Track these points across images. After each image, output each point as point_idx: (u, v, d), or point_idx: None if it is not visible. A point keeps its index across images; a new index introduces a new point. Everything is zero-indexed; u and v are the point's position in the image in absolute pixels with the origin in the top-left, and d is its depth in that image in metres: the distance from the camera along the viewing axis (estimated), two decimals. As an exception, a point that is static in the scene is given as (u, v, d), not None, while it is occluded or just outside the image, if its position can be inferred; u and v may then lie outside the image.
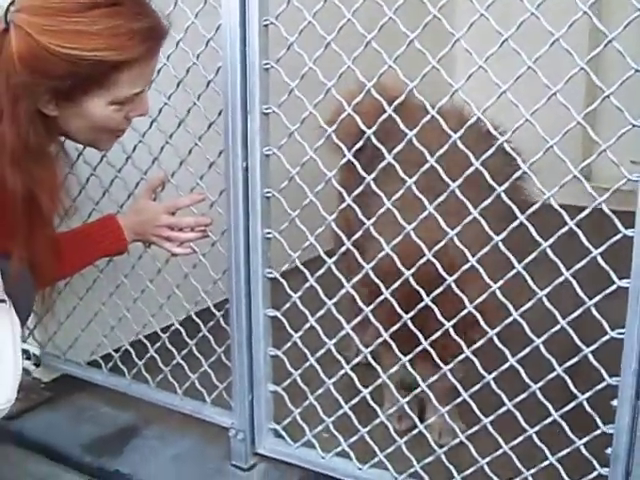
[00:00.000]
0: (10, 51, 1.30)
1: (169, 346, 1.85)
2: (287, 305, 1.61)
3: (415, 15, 1.39)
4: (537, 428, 1.38)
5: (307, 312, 1.58)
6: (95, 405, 2.07)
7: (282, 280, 1.60)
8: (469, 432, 1.46)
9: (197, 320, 1.80)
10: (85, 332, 2.03)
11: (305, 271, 1.57)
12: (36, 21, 1.30)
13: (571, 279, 1.28)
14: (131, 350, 1.93)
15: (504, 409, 1.40)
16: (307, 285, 1.56)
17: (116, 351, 1.98)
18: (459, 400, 1.47)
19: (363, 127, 1.44)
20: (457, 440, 1.49)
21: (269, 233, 1.59)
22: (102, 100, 1.42)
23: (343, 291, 1.53)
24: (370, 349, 1.53)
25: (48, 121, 1.42)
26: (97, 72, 1.36)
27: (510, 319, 1.35)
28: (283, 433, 1.70)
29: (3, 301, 1.47)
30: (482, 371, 1.42)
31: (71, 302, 1.97)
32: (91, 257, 1.79)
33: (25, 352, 1.53)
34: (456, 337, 1.41)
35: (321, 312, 1.56)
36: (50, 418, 2.03)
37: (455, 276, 1.39)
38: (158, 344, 1.88)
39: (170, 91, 1.71)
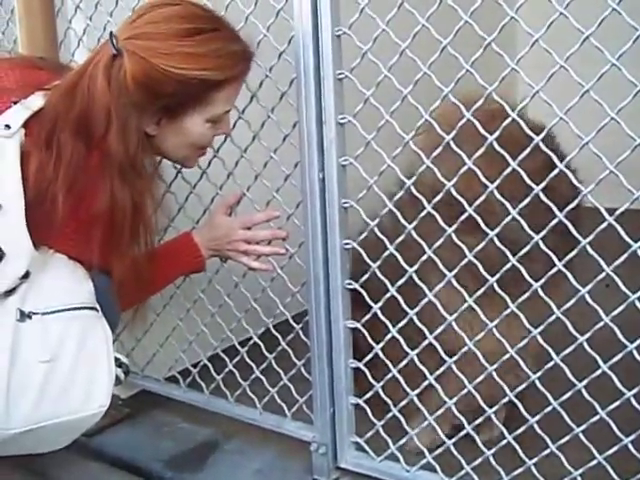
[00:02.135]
0: (122, 74, 1.40)
1: (248, 360, 1.85)
2: (368, 316, 1.59)
3: (489, 18, 1.38)
4: (632, 437, 1.33)
5: (388, 323, 1.56)
6: (174, 421, 2.08)
7: (362, 291, 1.59)
8: (561, 442, 1.41)
9: (275, 333, 1.79)
10: (163, 348, 2.04)
11: (385, 281, 1.55)
12: (150, 45, 1.41)
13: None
14: (209, 365, 1.94)
15: (596, 418, 1.36)
16: (388, 295, 1.54)
17: (194, 366, 1.98)
18: (549, 409, 1.42)
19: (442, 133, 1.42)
20: (547, 451, 1.45)
21: (348, 244, 1.58)
22: (200, 118, 1.52)
23: (424, 301, 1.51)
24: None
25: (149, 140, 1.52)
26: (201, 90, 1.47)
27: (601, 324, 1.31)
28: (366, 446, 1.68)
29: (96, 309, 1.50)
30: (572, 378, 1.38)
31: (148, 318, 1.98)
32: (170, 276, 1.81)
33: (116, 360, 1.54)
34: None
35: (402, 323, 1.54)
36: (129, 434, 2.05)
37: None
38: (237, 358, 1.87)
39: (244, 105, 1.71)
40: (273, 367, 1.80)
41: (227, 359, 1.90)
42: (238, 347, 1.86)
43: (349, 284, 1.60)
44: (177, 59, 1.41)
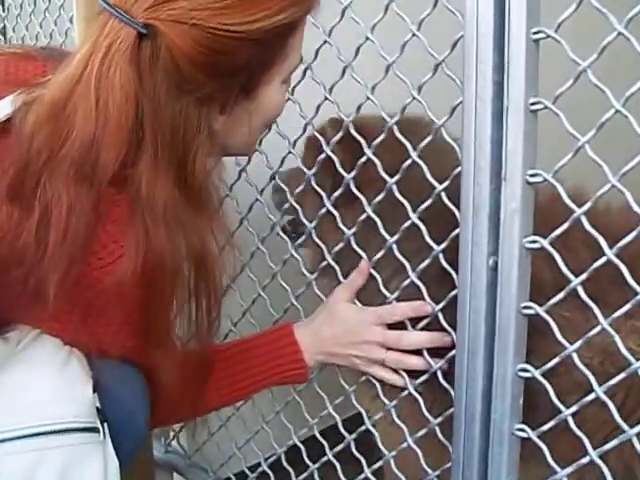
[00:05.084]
0: (167, 57, 0.92)
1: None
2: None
3: None
4: None
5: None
6: None
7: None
8: None
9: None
10: (241, 450, 1.52)
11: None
12: (197, 4, 0.92)
13: None
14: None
15: None
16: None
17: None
18: None
19: None
20: None
21: (525, 370, 0.99)
22: (277, 80, 1.08)
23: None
24: None
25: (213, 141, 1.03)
26: (279, 42, 1.03)
27: None
28: None
29: (94, 430, 0.99)
30: None
31: (226, 410, 1.46)
32: (247, 385, 1.29)
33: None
34: None
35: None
36: None
37: None
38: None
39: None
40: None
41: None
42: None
43: (521, 429, 1.02)
44: (245, 9, 0.94)
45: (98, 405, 1.02)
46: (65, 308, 0.98)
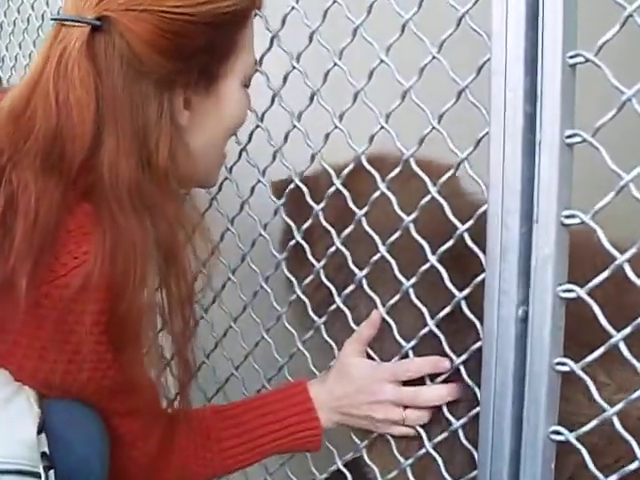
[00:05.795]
0: (123, 45, 0.95)
1: None
2: None
3: None
4: None
5: None
6: None
7: None
8: None
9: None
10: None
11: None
12: None
13: None
14: None
15: None
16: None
17: None
18: None
19: None
20: None
21: (558, 433, 0.88)
22: (236, 78, 1.08)
23: None
24: None
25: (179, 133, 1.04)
26: (230, 30, 1.04)
27: None
28: None
29: (33, 475, 0.88)
30: None
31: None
32: (253, 451, 1.17)
33: None
34: None
35: None
36: None
37: None
38: None
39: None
40: None
41: None
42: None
43: (555, 496, 0.91)
44: None
45: (46, 449, 0.92)
46: (13, 328, 0.91)
